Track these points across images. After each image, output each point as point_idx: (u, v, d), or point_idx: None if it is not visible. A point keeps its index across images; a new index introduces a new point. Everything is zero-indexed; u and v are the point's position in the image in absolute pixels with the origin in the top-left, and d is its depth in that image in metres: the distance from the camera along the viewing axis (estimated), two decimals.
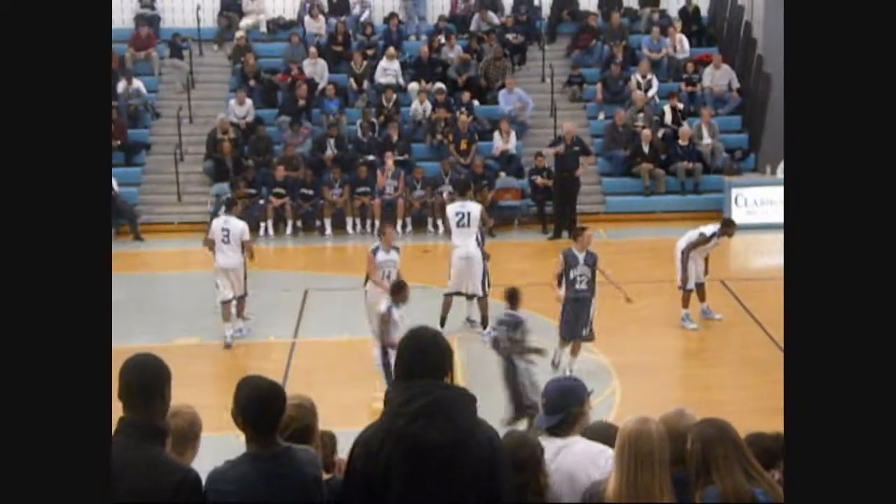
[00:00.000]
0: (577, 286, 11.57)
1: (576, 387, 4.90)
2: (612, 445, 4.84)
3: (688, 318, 13.41)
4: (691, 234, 13.45)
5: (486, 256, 13.47)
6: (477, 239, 13.42)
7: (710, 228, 13.40)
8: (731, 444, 4.14)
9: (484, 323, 13.29)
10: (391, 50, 21.55)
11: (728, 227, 13.39)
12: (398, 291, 10.82)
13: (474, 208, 13.57)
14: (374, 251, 12.08)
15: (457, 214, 13.51)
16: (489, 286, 13.33)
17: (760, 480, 4.14)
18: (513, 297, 10.34)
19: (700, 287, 13.49)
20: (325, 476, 4.37)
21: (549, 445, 4.65)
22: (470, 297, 13.45)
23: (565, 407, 4.71)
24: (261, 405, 3.99)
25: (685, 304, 13.39)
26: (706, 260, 13.55)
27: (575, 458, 4.57)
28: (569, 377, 4.81)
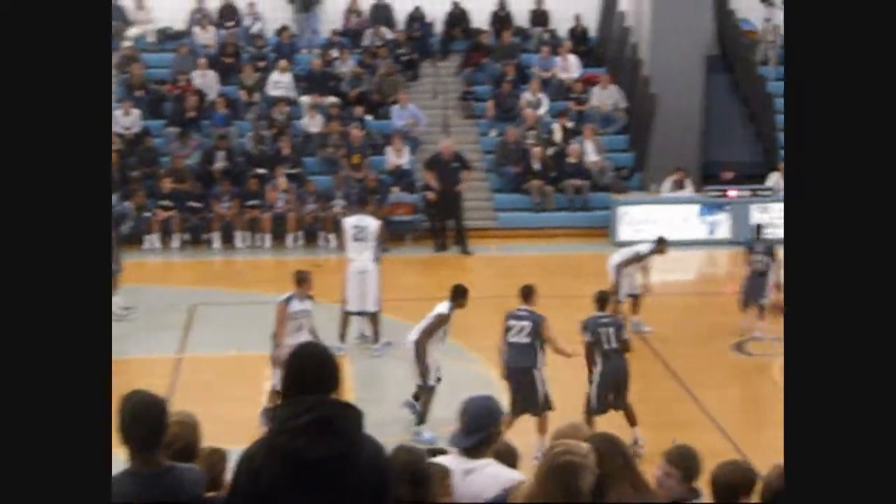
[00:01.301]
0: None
1: (495, 407, 4.76)
2: (512, 465, 4.79)
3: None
4: (626, 252, 14.20)
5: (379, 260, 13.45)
6: (372, 253, 13.36)
7: (644, 247, 14.12)
8: (623, 458, 4.19)
9: (376, 338, 13.21)
10: (283, 62, 21.35)
11: (661, 245, 14.02)
12: (461, 296, 10.76)
13: (372, 223, 13.52)
14: (288, 300, 10.78)
15: (354, 227, 13.44)
16: (380, 301, 13.26)
17: (647, 493, 4.21)
18: (603, 299, 10.61)
19: (635, 299, 14.13)
20: (212, 494, 4.27)
21: (459, 465, 4.53)
22: (363, 312, 13.35)
23: (485, 427, 4.58)
24: (143, 421, 3.91)
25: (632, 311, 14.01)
26: (645, 275, 14.11)
27: (485, 482, 4.44)
28: (486, 395, 4.68)
